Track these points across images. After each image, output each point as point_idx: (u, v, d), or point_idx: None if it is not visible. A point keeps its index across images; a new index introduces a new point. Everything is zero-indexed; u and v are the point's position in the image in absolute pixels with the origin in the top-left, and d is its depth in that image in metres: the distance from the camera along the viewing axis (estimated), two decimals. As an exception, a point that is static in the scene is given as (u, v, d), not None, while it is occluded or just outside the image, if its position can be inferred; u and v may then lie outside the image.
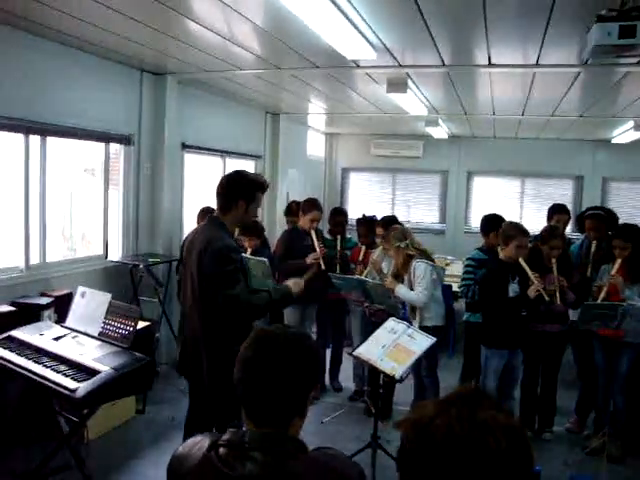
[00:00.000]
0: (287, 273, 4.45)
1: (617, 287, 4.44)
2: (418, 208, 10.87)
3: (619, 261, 4.46)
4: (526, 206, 10.28)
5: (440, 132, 9.29)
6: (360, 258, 5.39)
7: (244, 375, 1.55)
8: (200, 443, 1.55)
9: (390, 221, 5.29)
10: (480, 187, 10.69)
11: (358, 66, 5.27)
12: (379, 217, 5.75)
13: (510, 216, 8.91)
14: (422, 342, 3.68)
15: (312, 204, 5.36)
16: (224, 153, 7.50)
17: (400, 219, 6.11)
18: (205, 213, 5.77)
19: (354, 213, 6.47)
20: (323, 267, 4.96)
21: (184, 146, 6.55)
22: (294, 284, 3.41)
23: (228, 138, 7.50)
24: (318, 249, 5.11)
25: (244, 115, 8.00)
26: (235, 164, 7.77)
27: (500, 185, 10.59)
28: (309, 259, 5.10)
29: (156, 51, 5.08)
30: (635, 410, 4.75)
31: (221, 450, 1.50)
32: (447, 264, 7.92)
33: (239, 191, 3.25)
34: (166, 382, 5.69)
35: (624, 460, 4.58)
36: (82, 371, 3.30)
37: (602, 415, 4.66)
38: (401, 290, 4.78)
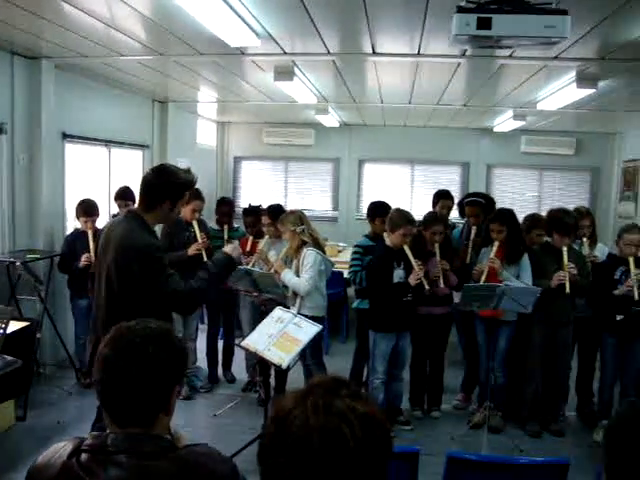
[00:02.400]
0: (169, 265, 4.34)
1: (495, 269, 4.66)
2: (311, 196, 10.92)
3: (497, 244, 4.69)
4: (416, 192, 10.56)
5: (331, 120, 9.36)
6: (248, 248, 5.35)
7: (103, 375, 1.49)
8: (61, 450, 1.47)
9: (276, 210, 5.27)
10: (371, 174, 10.87)
11: (243, 53, 5.20)
12: (270, 207, 5.71)
13: (401, 202, 9.23)
14: (308, 330, 3.70)
15: (193, 194, 5.25)
16: (109, 143, 7.19)
17: (293, 207, 6.12)
18: (123, 197, 5.53)
19: (247, 202, 6.41)
20: (205, 258, 4.88)
21: (65, 135, 6.21)
22: (232, 249, 3.28)
23: (113, 127, 7.19)
24: (200, 240, 5.03)
25: (130, 103, 7.70)
26: (121, 154, 7.49)
27: (391, 172, 10.81)
28: (191, 250, 5.02)
29: (28, 33, 4.76)
30: (513, 384, 5.03)
31: (83, 456, 1.43)
32: (340, 251, 8.04)
33: (167, 191, 3.05)
34: (51, 384, 5.43)
35: (504, 431, 4.85)
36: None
37: (484, 391, 4.89)
38: (287, 275, 4.79)
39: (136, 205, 3.22)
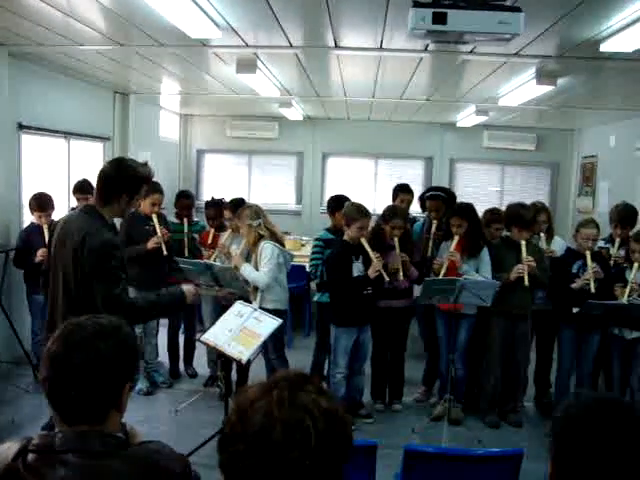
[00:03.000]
0: (128, 259, 4.28)
1: (455, 263, 4.71)
2: (275, 189, 10.88)
3: (457, 238, 4.74)
4: (379, 185, 10.58)
5: (294, 114, 9.33)
6: (209, 241, 5.31)
7: (52, 373, 1.45)
8: (7, 452, 1.43)
9: (239, 203, 5.24)
10: (335, 168, 10.87)
11: (204, 45, 5.15)
12: (232, 200, 5.68)
13: (364, 195, 9.28)
14: (268, 324, 3.69)
15: (152, 187, 5.18)
16: (68, 134, 7.04)
17: (257, 201, 6.09)
18: (82, 191, 5.40)
19: (210, 195, 6.36)
20: (165, 252, 4.82)
21: (21, 126, 6.05)
22: (189, 291, 3.21)
23: (73, 118, 7.04)
24: (160, 233, 4.97)
25: (90, 94, 7.55)
26: (81, 146, 7.35)
27: (355, 165, 10.83)
28: (150, 244, 4.96)
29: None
30: (473, 376, 5.10)
31: (30, 457, 1.39)
32: (303, 244, 8.03)
33: (124, 185, 2.99)
34: (6, 381, 5.31)
35: (464, 422, 4.91)
36: None
37: (445, 383, 4.94)
38: (246, 269, 4.77)
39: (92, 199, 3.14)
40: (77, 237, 2.89)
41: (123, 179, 3.01)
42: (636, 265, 4.56)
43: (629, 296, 4.46)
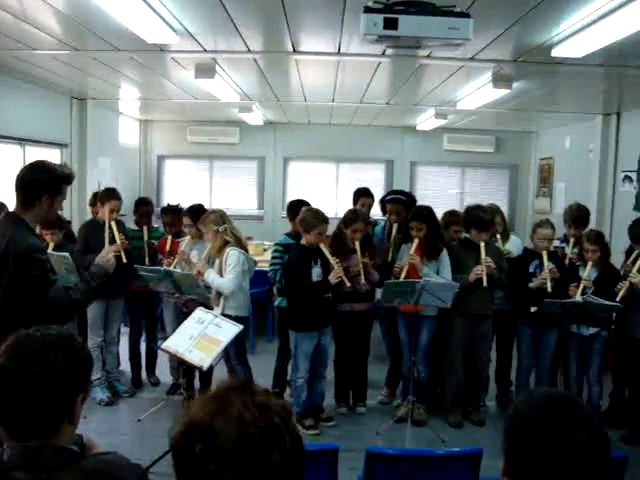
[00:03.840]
0: (87, 268, 4.22)
1: (416, 266, 4.75)
2: (236, 194, 10.83)
3: (416, 241, 4.78)
4: (341, 189, 10.61)
5: (255, 118, 9.32)
6: (167, 248, 5.27)
7: None
8: None
9: (198, 210, 5.21)
10: (297, 172, 10.88)
11: (162, 50, 5.11)
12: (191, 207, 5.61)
13: (326, 200, 9.30)
14: (229, 330, 3.68)
15: (110, 194, 5.11)
16: (23, 141, 6.90)
17: (219, 206, 6.05)
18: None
19: (172, 201, 6.31)
20: (124, 260, 4.76)
21: (-28, 133, 5.93)
22: (100, 258, 3.23)
23: (28, 124, 6.90)
24: (119, 241, 4.91)
25: (46, 100, 7.41)
26: (37, 153, 7.20)
27: (316, 170, 10.86)
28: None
29: None
30: (436, 377, 5.16)
31: (-24, 476, 1.36)
32: (265, 249, 8.01)
33: (43, 186, 2.91)
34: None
35: (427, 423, 4.95)
36: None
37: (407, 385, 4.98)
38: (210, 275, 4.74)
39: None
40: (0, 244, 2.83)
41: (40, 181, 2.94)
42: (590, 264, 4.68)
43: (583, 294, 4.57)
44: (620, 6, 3.39)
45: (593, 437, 1.22)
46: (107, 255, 3.30)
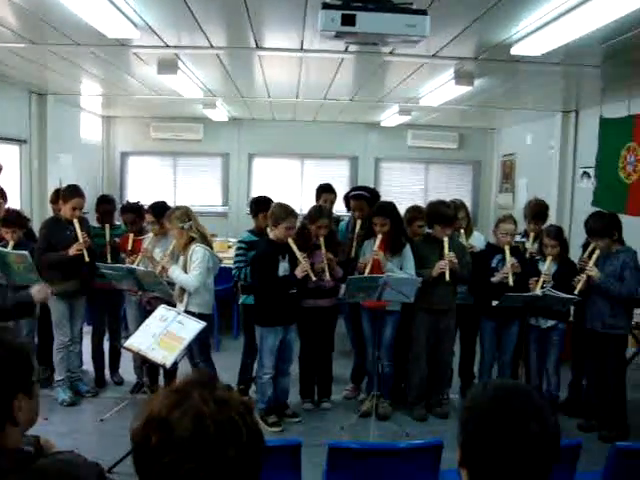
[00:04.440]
0: (49, 265, 4.17)
1: (380, 262, 4.78)
2: (201, 191, 10.75)
3: (380, 237, 4.81)
4: (306, 186, 10.58)
5: (219, 114, 9.26)
6: (129, 247, 5.21)
7: None
8: None
9: (160, 208, 5.16)
10: (261, 168, 10.86)
11: (123, 45, 5.04)
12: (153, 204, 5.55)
13: (291, 196, 9.28)
14: (191, 328, 3.66)
15: (73, 191, 5.03)
16: (-21, 137, 6.76)
17: (183, 203, 6.00)
18: None
19: (135, 198, 6.23)
20: (87, 258, 4.70)
21: None
22: (38, 291, 3.15)
23: (-17, 120, 6.76)
24: (81, 239, 4.84)
25: (3, 94, 7.23)
26: (-5, 149, 7.06)
27: (281, 166, 10.85)
28: (72, 250, 4.82)
29: None
30: (400, 371, 5.20)
31: None
32: (230, 246, 7.97)
33: None
34: None
35: (392, 417, 5.00)
36: None
37: (372, 379, 5.02)
38: (175, 272, 4.71)
39: None
40: None
41: None
42: (549, 258, 4.77)
43: (542, 287, 4.66)
44: (576, 5, 3.47)
45: (545, 427, 1.26)
46: (47, 289, 3.20)
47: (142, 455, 1.10)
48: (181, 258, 4.83)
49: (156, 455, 1.07)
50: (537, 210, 5.42)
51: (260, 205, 5.15)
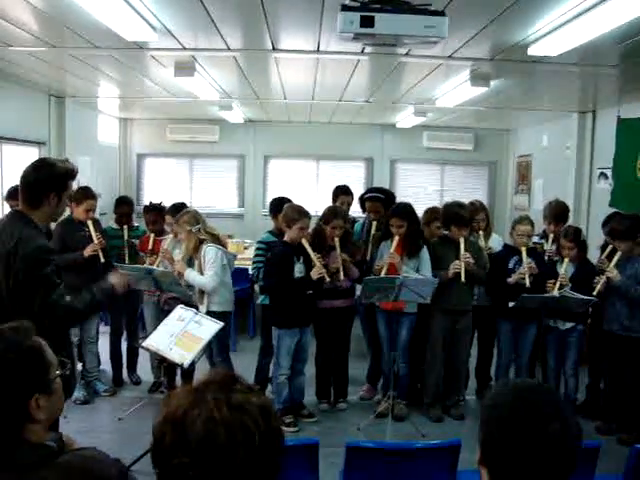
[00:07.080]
0: (64, 267, 4.18)
1: (396, 265, 4.77)
2: (217, 193, 10.79)
3: (397, 239, 4.81)
4: (321, 187, 10.58)
5: (235, 116, 9.29)
6: (150, 247, 5.25)
7: None
8: None
9: (180, 208, 5.20)
10: (277, 170, 10.87)
11: (141, 48, 5.08)
12: (173, 205, 5.60)
13: (306, 197, 9.30)
14: (209, 327, 3.68)
15: (85, 193, 5.08)
16: (0, 139, 6.84)
17: (199, 204, 6.03)
18: (15, 197, 5.22)
19: (152, 200, 6.27)
20: (102, 259, 4.74)
21: (-53, 131, 5.84)
22: (117, 282, 3.17)
23: (4, 123, 6.81)
24: (96, 240, 4.88)
25: (23, 98, 7.31)
26: (14, 151, 7.14)
27: (296, 167, 10.86)
28: (87, 251, 4.87)
29: None
30: (416, 372, 5.20)
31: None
32: (246, 247, 8.01)
33: (50, 184, 2.89)
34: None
35: (408, 418, 4.99)
36: None
37: (388, 381, 5.02)
38: (190, 274, 4.75)
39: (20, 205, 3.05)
40: (8, 244, 2.81)
41: (46, 178, 2.93)
42: (566, 260, 4.75)
43: (560, 289, 4.63)
44: (593, 6, 3.45)
45: (566, 427, 1.26)
46: (121, 277, 3.25)
47: (157, 452, 1.12)
48: (196, 261, 4.87)
49: (168, 455, 1.09)
50: (558, 211, 5.37)
51: (279, 206, 5.17)
